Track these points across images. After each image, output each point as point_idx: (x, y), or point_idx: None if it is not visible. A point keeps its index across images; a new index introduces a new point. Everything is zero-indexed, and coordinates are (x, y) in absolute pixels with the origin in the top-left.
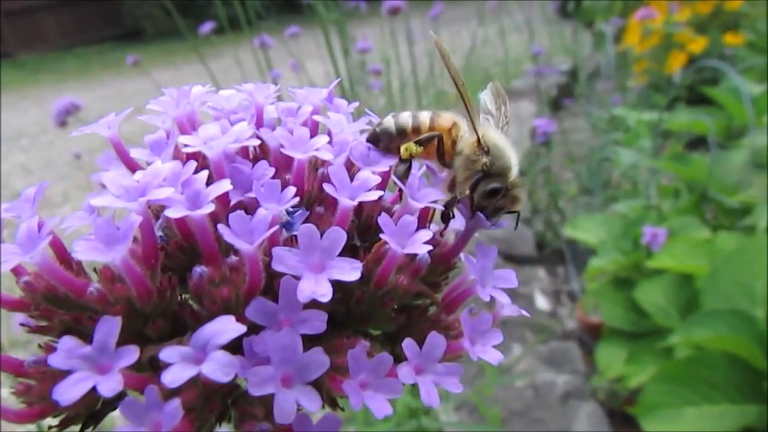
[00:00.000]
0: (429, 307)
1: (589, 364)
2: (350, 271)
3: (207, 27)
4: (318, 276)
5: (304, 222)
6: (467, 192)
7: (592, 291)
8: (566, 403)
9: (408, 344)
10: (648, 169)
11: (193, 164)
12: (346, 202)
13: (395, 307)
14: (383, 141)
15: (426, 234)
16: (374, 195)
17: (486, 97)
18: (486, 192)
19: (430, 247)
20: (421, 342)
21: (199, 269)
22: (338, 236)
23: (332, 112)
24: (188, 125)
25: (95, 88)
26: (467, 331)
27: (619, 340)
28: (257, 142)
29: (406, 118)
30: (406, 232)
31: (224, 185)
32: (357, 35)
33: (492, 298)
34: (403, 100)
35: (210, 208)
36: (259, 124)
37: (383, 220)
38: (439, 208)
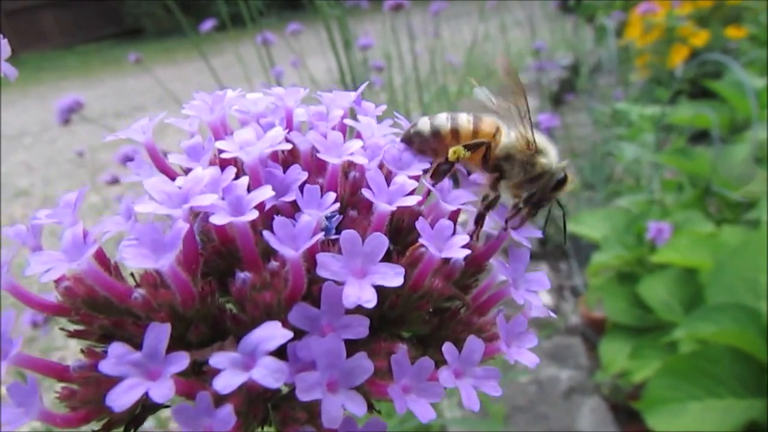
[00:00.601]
0: (460, 309)
1: (592, 360)
2: (393, 277)
3: (208, 24)
4: (361, 281)
5: (338, 226)
6: (525, 194)
7: (595, 286)
8: (570, 399)
9: (448, 348)
10: (651, 164)
11: (233, 170)
12: (384, 207)
13: (429, 310)
14: (416, 142)
15: (463, 239)
16: (412, 200)
17: (501, 91)
18: (552, 186)
19: (468, 252)
20: (453, 344)
21: (242, 275)
22: (380, 242)
23: (362, 116)
24: (222, 130)
25: (96, 85)
26: (503, 333)
27: (623, 335)
28: (288, 146)
29: (443, 120)
30: (442, 236)
31: (266, 192)
32: (358, 32)
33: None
34: (405, 97)
35: (254, 214)
36: (289, 128)
37: (421, 225)
38: (470, 209)
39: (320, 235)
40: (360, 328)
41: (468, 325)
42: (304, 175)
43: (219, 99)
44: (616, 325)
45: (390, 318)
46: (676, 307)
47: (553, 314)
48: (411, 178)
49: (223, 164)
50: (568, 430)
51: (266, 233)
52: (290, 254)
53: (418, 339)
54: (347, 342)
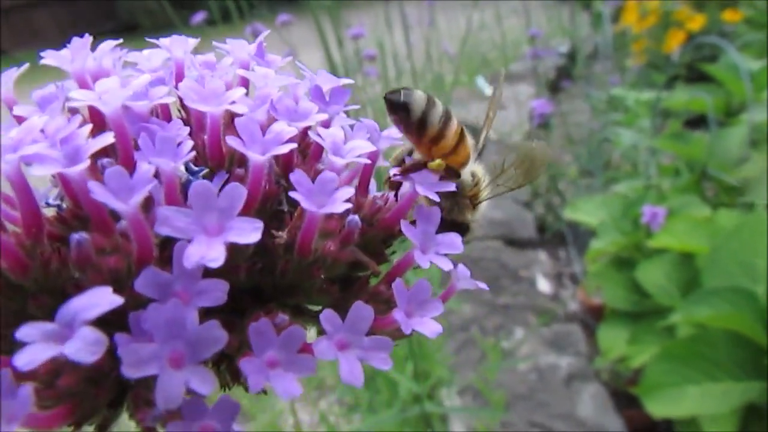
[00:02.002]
0: (369, 279)
1: (592, 346)
2: (250, 232)
3: (199, 17)
4: (213, 239)
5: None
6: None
7: (593, 273)
8: (570, 386)
9: (327, 316)
10: (647, 149)
11: (78, 119)
12: (256, 158)
13: (330, 278)
14: (401, 114)
15: (346, 192)
16: (287, 148)
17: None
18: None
19: (349, 206)
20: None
21: (77, 236)
22: (237, 193)
23: (260, 67)
24: (91, 81)
25: None
26: (402, 301)
27: (621, 320)
28: (170, 99)
29: (435, 117)
30: (325, 191)
31: (107, 138)
32: (353, 21)
33: (448, 271)
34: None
35: (86, 164)
36: (180, 80)
37: (296, 177)
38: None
39: (152, 184)
40: (217, 293)
41: (375, 295)
42: (186, 130)
43: (81, 46)
44: (614, 311)
45: (282, 287)
46: (674, 291)
47: (484, 286)
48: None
49: (93, 119)
50: (568, 417)
51: (91, 183)
52: (121, 207)
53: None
54: (227, 313)
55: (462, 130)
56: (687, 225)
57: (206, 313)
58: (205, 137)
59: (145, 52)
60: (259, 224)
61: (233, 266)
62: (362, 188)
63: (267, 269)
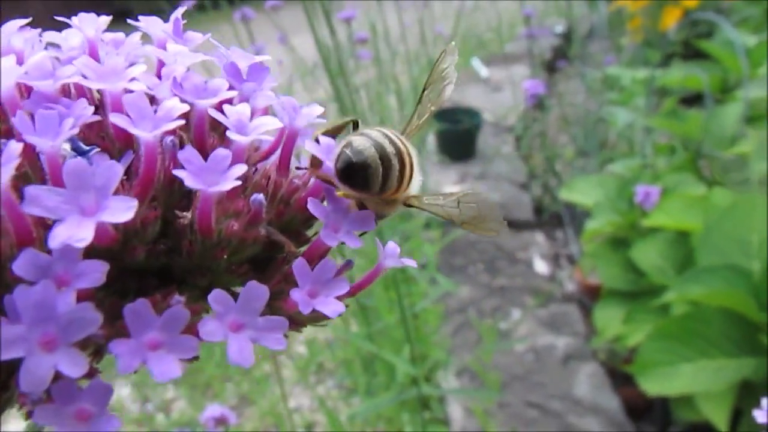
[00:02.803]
0: (284, 260)
1: (589, 326)
2: (124, 211)
3: (189, 2)
4: (85, 219)
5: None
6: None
7: (589, 253)
8: (567, 366)
9: (216, 296)
10: (643, 128)
11: None
12: (144, 136)
13: (240, 259)
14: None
15: (239, 169)
16: (175, 124)
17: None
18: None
19: (238, 183)
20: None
21: None
22: (112, 172)
23: (173, 44)
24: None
25: None
26: (304, 281)
27: (617, 300)
28: (75, 79)
29: (394, 176)
30: (217, 169)
31: None
32: (344, 3)
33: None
34: (393, 71)
35: None
36: (93, 59)
37: (185, 154)
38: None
39: (14, 162)
40: (95, 275)
41: (288, 276)
42: (90, 110)
43: None
44: (610, 290)
45: (190, 268)
46: (669, 270)
47: (412, 263)
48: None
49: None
50: (565, 397)
51: None
52: None
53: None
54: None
55: (412, 166)
56: (682, 203)
57: (104, 297)
58: (108, 116)
59: (64, 32)
60: (133, 203)
61: (130, 247)
62: (282, 167)
63: (176, 250)
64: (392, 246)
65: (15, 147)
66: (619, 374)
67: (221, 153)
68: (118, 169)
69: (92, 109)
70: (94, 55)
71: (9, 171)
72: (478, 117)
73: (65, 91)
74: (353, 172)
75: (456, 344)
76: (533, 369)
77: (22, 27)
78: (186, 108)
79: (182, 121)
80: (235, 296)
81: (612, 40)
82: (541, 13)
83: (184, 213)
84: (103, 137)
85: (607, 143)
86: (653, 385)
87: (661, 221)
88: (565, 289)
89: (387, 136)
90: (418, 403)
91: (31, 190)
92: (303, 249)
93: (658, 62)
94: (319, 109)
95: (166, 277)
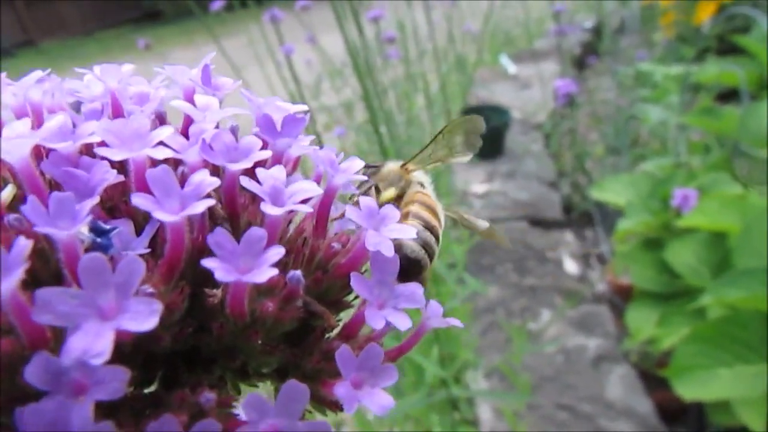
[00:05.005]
0: (324, 333)
1: (620, 327)
2: (147, 317)
3: (217, 4)
4: (103, 325)
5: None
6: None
7: (621, 253)
8: (598, 367)
9: (251, 402)
10: (677, 126)
11: None
12: (170, 220)
13: (274, 338)
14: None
15: (275, 253)
16: (203, 206)
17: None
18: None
19: (275, 272)
20: (308, 378)
21: None
22: (134, 268)
23: (202, 95)
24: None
25: None
26: (347, 371)
27: (650, 301)
28: (96, 138)
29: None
30: (251, 252)
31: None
32: (373, 3)
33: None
34: (422, 69)
35: None
36: (116, 113)
37: (215, 238)
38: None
39: (21, 268)
40: (115, 384)
41: (328, 353)
42: (112, 174)
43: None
44: (643, 291)
45: (220, 350)
46: (704, 272)
47: (457, 323)
48: (246, 172)
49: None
50: (596, 399)
51: None
52: None
53: (277, 372)
54: (163, 384)
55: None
56: (718, 203)
57: (136, 387)
58: (133, 185)
59: (86, 78)
60: (157, 307)
61: (155, 336)
62: (319, 229)
63: (204, 328)
64: (435, 305)
65: (23, 246)
66: (651, 377)
67: (256, 234)
68: (140, 267)
69: (114, 172)
70: (117, 109)
71: (15, 278)
72: (506, 114)
73: (87, 147)
74: (406, 272)
75: (485, 344)
76: (563, 370)
77: (40, 79)
78: (216, 183)
79: (212, 201)
80: (265, 378)
81: (644, 35)
82: (570, 9)
83: (214, 291)
84: (126, 201)
85: (639, 141)
86: (689, 390)
87: (696, 221)
88: (595, 289)
89: (428, 225)
90: (448, 405)
91: (42, 294)
92: (342, 318)
93: (692, 58)
94: (360, 164)
95: (195, 358)
